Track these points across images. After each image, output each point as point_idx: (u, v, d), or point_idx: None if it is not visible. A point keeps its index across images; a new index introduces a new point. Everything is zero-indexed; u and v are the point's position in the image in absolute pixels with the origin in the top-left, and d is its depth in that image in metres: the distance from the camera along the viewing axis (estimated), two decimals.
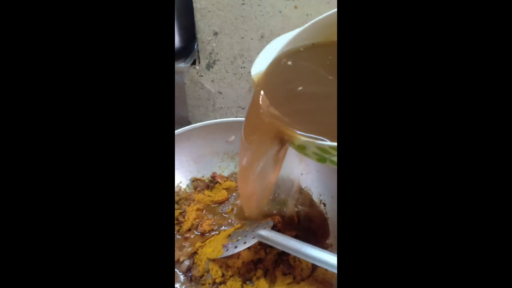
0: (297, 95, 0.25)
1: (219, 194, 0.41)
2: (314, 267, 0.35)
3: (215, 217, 0.39)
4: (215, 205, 0.40)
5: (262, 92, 0.25)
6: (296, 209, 0.39)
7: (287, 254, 0.35)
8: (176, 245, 0.37)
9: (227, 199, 0.41)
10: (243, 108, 0.55)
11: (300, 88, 0.26)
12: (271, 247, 0.35)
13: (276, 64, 0.26)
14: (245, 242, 0.33)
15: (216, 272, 0.33)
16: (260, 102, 0.25)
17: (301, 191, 0.42)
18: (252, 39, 0.46)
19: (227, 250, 0.33)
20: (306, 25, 0.26)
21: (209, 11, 0.45)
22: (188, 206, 0.39)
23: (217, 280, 0.33)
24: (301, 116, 0.24)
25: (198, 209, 0.39)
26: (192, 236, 0.37)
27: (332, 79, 0.25)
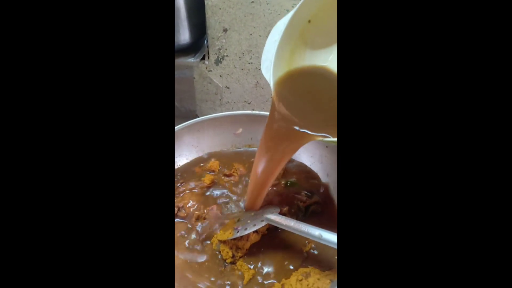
0: (301, 105, 0.33)
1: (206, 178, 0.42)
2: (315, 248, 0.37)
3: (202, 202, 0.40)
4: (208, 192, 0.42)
5: (277, 104, 0.32)
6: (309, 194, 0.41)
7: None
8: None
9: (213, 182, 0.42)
10: (249, 103, 0.57)
11: (302, 100, 0.33)
12: (276, 232, 0.37)
13: (283, 85, 0.32)
14: (254, 225, 0.35)
15: (226, 253, 0.35)
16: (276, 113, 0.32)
17: (315, 177, 0.44)
18: (260, 36, 0.49)
19: (238, 232, 0.35)
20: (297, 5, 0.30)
21: (220, 8, 0.47)
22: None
23: (228, 261, 0.35)
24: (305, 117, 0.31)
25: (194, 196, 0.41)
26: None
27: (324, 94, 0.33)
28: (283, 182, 0.42)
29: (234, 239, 0.35)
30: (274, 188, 0.41)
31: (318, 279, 0.33)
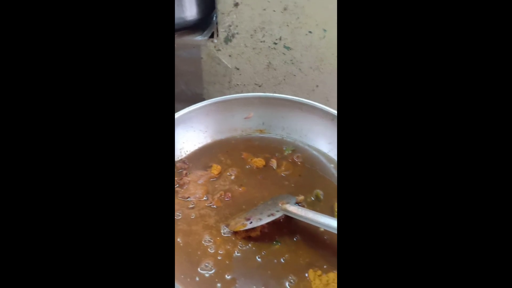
0: None
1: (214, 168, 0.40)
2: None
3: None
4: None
5: None
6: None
7: None
8: None
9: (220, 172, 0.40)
10: (260, 86, 0.54)
11: None
12: (289, 222, 0.34)
13: None
14: (268, 215, 0.33)
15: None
16: None
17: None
18: (274, 11, 0.45)
19: (251, 222, 0.32)
20: None
21: None
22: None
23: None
24: None
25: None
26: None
27: None
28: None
29: (247, 230, 0.33)
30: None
31: None
